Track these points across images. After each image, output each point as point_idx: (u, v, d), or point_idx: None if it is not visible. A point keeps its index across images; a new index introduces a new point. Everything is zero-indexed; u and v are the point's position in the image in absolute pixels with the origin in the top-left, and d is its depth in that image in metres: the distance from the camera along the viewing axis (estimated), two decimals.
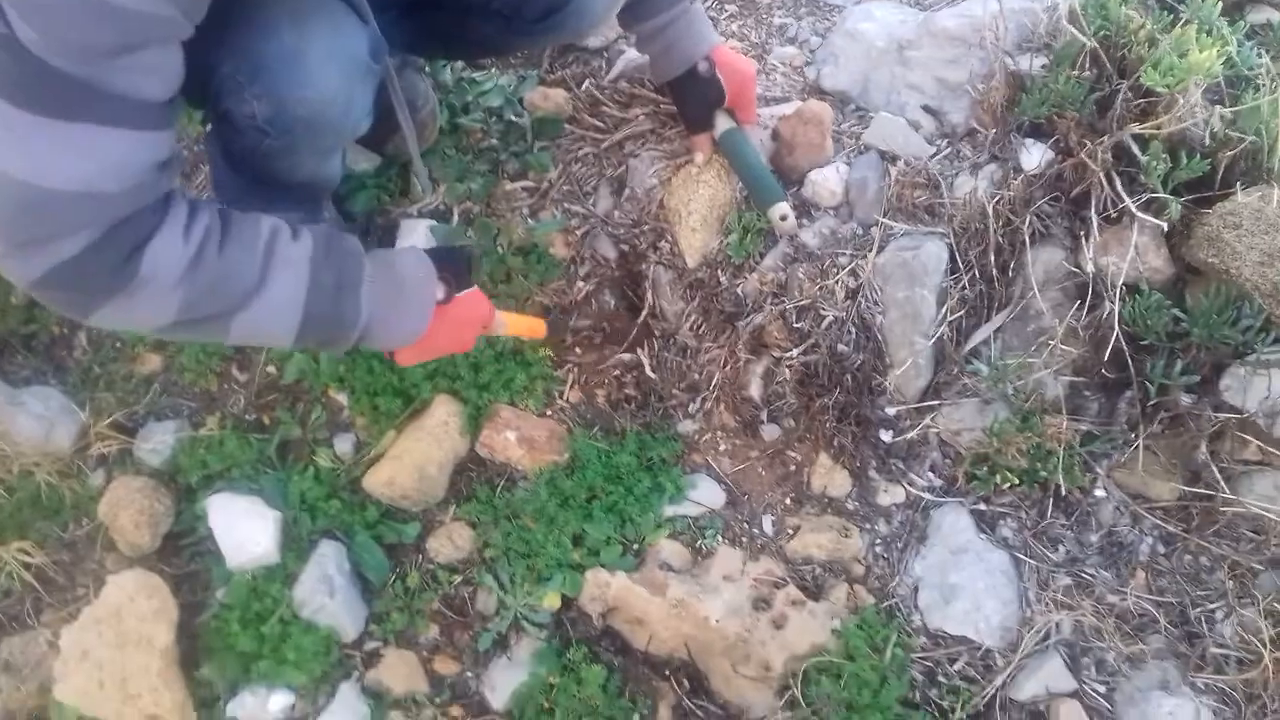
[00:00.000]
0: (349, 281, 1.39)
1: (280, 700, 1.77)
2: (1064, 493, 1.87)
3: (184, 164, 1.50)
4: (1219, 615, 1.78)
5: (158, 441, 1.98)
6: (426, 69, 2.25)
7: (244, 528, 1.85)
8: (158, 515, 1.89)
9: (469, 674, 1.82)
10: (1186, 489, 1.83)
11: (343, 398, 2.03)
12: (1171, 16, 1.90)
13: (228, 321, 1.31)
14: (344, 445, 2.00)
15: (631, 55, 2.28)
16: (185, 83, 1.20)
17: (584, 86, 2.29)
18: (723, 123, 1.96)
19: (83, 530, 1.94)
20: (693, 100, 1.95)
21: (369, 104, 1.53)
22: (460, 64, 2.32)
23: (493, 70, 2.35)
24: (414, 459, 1.89)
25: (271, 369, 2.07)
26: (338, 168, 1.71)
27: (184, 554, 1.91)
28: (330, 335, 1.42)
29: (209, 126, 1.69)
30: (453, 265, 1.56)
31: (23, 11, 1.00)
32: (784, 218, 1.88)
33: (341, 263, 1.39)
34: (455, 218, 2.15)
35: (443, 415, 1.95)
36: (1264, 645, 1.71)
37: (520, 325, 1.84)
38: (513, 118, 2.26)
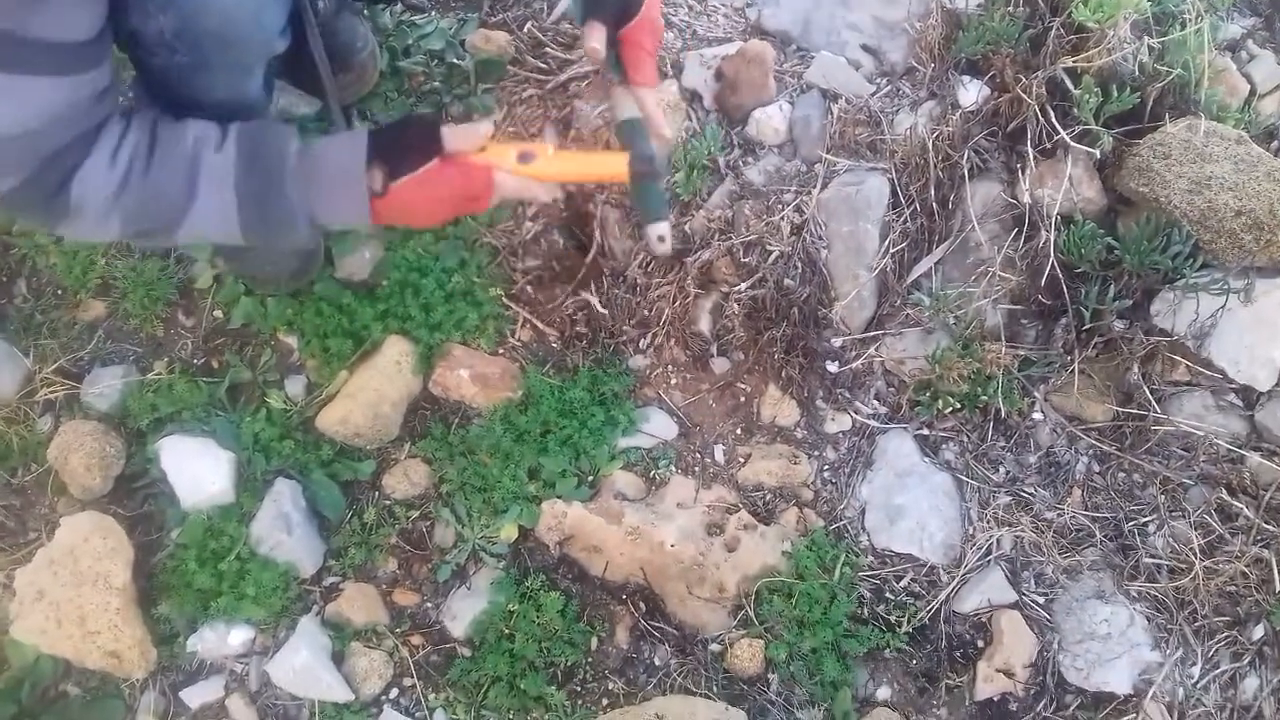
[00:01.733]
0: (274, 183, 1.39)
1: (241, 635, 1.78)
2: (1003, 416, 1.94)
3: (121, 87, 1.47)
4: (1151, 528, 1.86)
5: (105, 386, 1.96)
6: (365, 12, 2.23)
7: (198, 468, 1.85)
8: (109, 458, 1.88)
9: (429, 604, 1.85)
10: (1120, 410, 1.91)
11: (292, 340, 2.02)
12: None
13: (173, 232, 1.39)
14: (295, 387, 2.00)
15: None
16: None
17: (526, 28, 2.28)
18: (625, 107, 1.62)
19: (32, 475, 1.92)
20: None
21: (281, 19, 1.49)
22: (399, 7, 2.31)
23: (433, 14, 2.34)
24: (367, 397, 1.90)
25: (219, 313, 2.06)
26: (258, 91, 1.67)
27: (136, 496, 1.90)
28: (274, 232, 1.44)
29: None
30: (403, 144, 1.44)
31: None
32: (661, 239, 1.59)
33: (265, 166, 1.39)
34: None
35: (394, 355, 1.95)
36: (1195, 554, 1.79)
37: (581, 168, 1.66)
38: (454, 60, 2.25)
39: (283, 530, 1.81)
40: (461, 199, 1.50)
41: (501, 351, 2.03)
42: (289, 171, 1.40)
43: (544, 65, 2.22)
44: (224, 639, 1.78)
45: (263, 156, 1.40)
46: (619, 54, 1.57)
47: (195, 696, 1.76)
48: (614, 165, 1.56)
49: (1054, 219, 1.87)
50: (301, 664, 1.72)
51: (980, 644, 1.81)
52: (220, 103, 1.61)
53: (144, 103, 1.77)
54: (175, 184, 1.35)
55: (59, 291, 2.08)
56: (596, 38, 1.54)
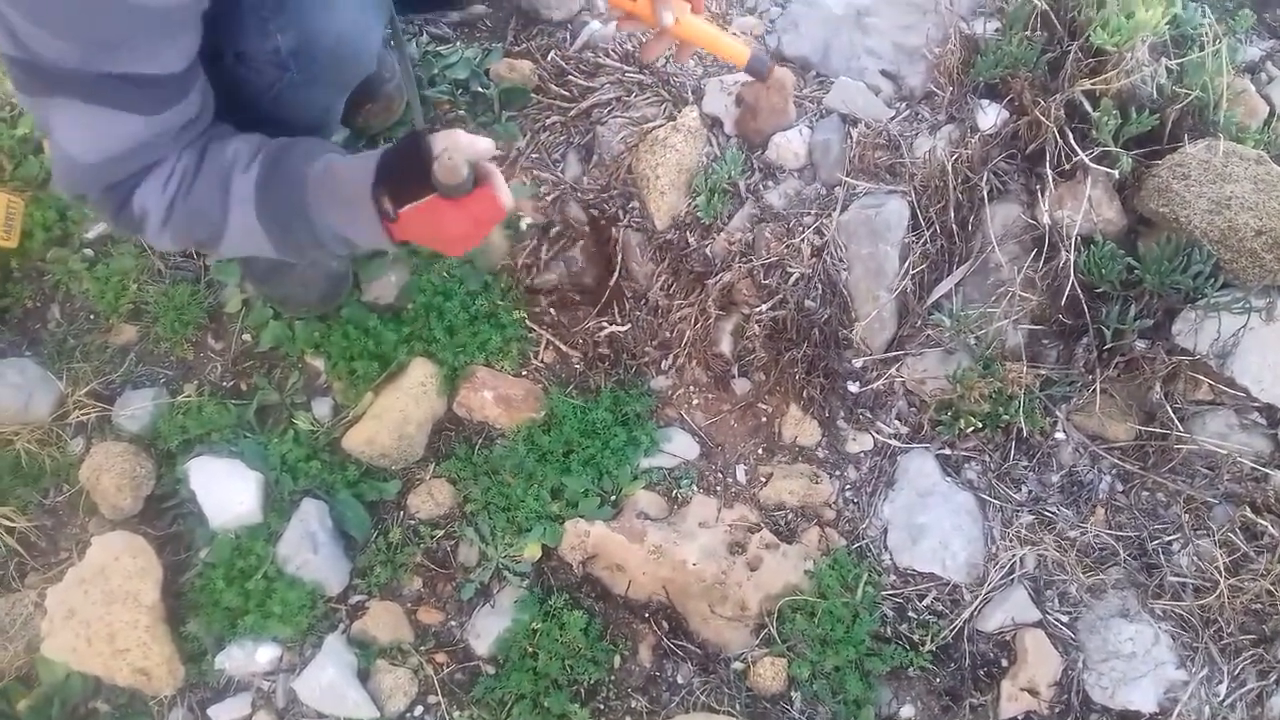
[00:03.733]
0: (294, 205, 1.40)
1: (268, 652, 1.80)
2: (1025, 435, 1.94)
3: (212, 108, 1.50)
4: (1175, 547, 1.86)
5: (136, 408, 2.00)
6: (392, 43, 2.27)
7: (226, 489, 1.87)
8: (139, 479, 1.91)
9: (453, 623, 1.86)
10: (1142, 429, 1.91)
11: (319, 363, 2.06)
12: None
13: (216, 246, 1.45)
14: (322, 409, 2.03)
15: (595, 26, 2.33)
16: None
17: (549, 57, 2.32)
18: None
19: (64, 496, 1.95)
20: None
21: (380, 38, 1.55)
22: (425, 38, 2.35)
23: (458, 43, 2.38)
24: (393, 418, 1.93)
25: (247, 337, 2.09)
26: (340, 112, 1.72)
27: (166, 516, 1.93)
28: (304, 250, 1.47)
29: None
30: (402, 170, 1.34)
31: (54, 30, 1.13)
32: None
33: (285, 189, 1.39)
34: None
35: (420, 376, 1.98)
36: (1220, 572, 1.79)
37: (714, 37, 1.62)
38: (479, 89, 2.29)
39: (309, 549, 1.83)
40: (467, 233, 1.41)
41: (525, 373, 2.05)
42: (309, 192, 1.39)
43: (567, 93, 2.25)
44: (251, 657, 1.79)
45: (282, 178, 1.40)
46: None
47: (223, 714, 1.78)
48: (738, 52, 1.60)
49: (1074, 240, 1.88)
50: (328, 681, 1.74)
51: (1004, 663, 1.81)
52: (308, 122, 1.63)
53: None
54: (211, 205, 1.39)
55: (91, 316, 2.12)
56: (668, 5, 1.53)
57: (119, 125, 1.26)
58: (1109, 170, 1.85)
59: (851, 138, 2.11)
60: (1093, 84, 1.90)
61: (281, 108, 1.50)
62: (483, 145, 1.34)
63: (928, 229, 2.01)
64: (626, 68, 2.24)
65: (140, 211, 1.35)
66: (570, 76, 2.28)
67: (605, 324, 2.08)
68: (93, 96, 1.22)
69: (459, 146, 1.30)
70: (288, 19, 1.37)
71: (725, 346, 2.05)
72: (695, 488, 1.95)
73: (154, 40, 1.21)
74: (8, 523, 1.90)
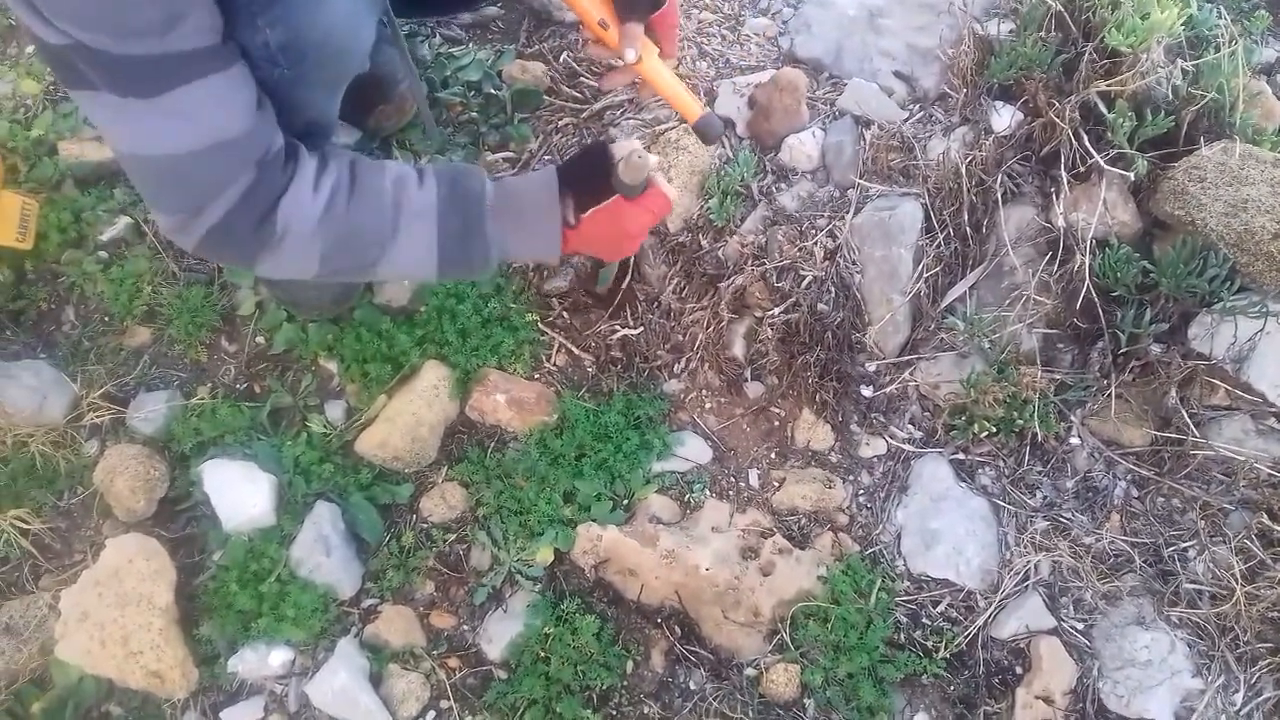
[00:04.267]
0: (473, 221, 1.47)
1: (280, 656, 1.80)
2: (1040, 440, 1.93)
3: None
4: (1191, 553, 1.84)
5: (150, 411, 2.00)
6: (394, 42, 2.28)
7: (240, 491, 1.87)
8: (153, 481, 1.91)
9: (465, 627, 1.86)
10: (1158, 434, 1.89)
11: (332, 365, 2.06)
12: None
13: (372, 268, 1.46)
14: (335, 412, 2.03)
15: None
16: None
17: (561, 59, 2.32)
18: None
19: (78, 498, 1.96)
20: None
21: (372, 36, 1.54)
22: (438, 40, 2.35)
23: (470, 45, 2.38)
24: (405, 421, 1.93)
25: (260, 339, 2.09)
26: (336, 117, 1.72)
27: (179, 519, 1.93)
28: (468, 268, 1.52)
29: None
30: (585, 175, 1.51)
31: (79, 21, 1.12)
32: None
33: (465, 205, 1.47)
34: None
35: (432, 379, 1.98)
36: (1236, 580, 1.77)
37: (672, 87, 1.67)
38: (492, 91, 2.29)
39: (322, 552, 1.83)
40: (644, 227, 1.56)
41: (537, 376, 2.05)
42: (488, 209, 1.47)
43: (579, 95, 2.25)
44: (264, 660, 1.79)
45: (463, 195, 1.47)
46: (651, 34, 1.64)
47: (235, 717, 1.78)
48: (692, 107, 1.65)
49: (1089, 243, 1.87)
50: (340, 685, 1.74)
51: (1019, 670, 1.80)
52: (308, 123, 1.64)
53: None
54: (379, 220, 1.42)
55: (106, 318, 2.12)
56: (632, 41, 1.60)
57: (197, 98, 1.23)
58: (1124, 172, 1.84)
59: (865, 139, 2.11)
60: (1108, 85, 1.89)
61: (277, 106, 1.51)
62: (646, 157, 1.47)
63: (941, 232, 2.00)
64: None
65: (284, 221, 1.34)
66: (582, 78, 2.28)
67: (617, 327, 2.08)
68: (167, 84, 1.20)
69: (637, 149, 1.45)
70: (276, 14, 1.37)
71: (738, 350, 2.04)
72: (708, 492, 1.95)
73: (189, 19, 1.19)
74: (22, 524, 1.90)
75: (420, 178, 1.46)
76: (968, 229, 1.99)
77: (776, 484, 1.96)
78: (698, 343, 2.05)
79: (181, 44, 1.18)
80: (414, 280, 1.56)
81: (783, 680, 1.77)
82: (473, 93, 2.30)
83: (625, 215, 1.51)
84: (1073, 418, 1.93)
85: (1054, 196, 1.93)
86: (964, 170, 1.97)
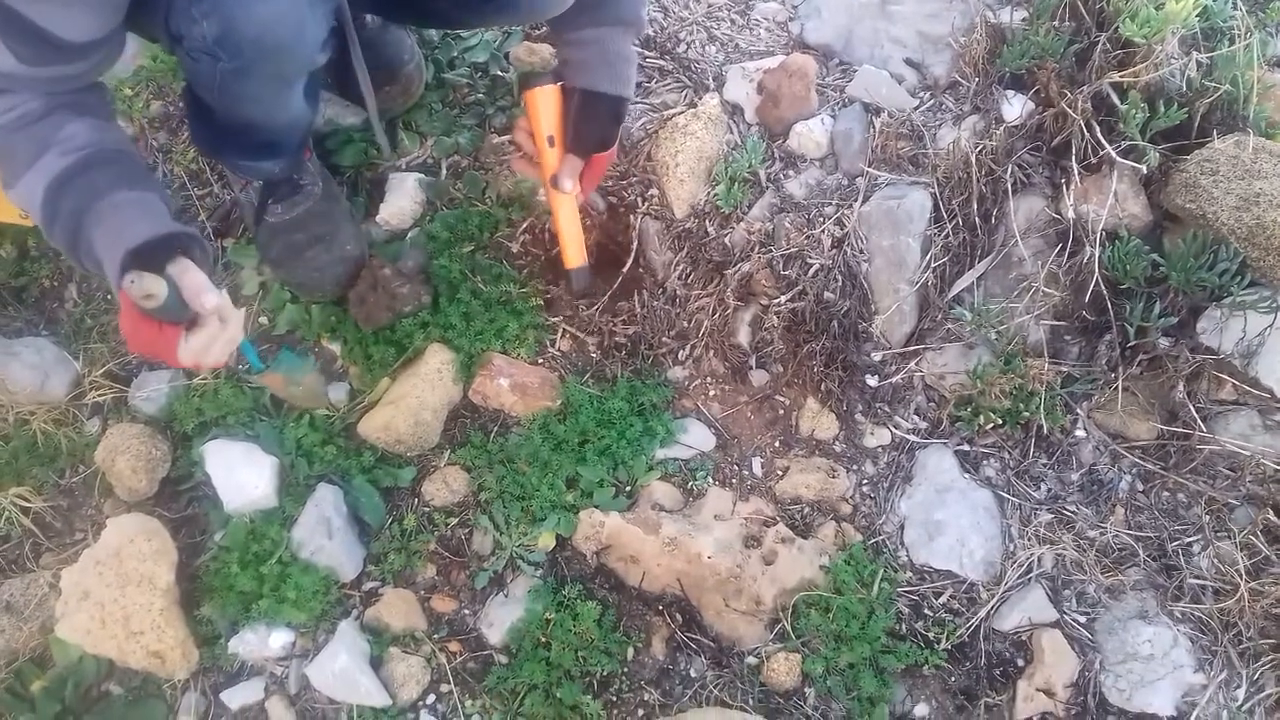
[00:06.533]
0: (80, 211, 1.41)
1: (281, 637, 1.80)
2: (1045, 433, 1.92)
3: (109, 95, 1.55)
4: (1196, 548, 1.84)
5: (152, 390, 1.99)
6: (411, 26, 2.26)
7: (242, 472, 1.87)
8: (155, 461, 1.90)
9: (466, 611, 1.85)
10: (1164, 428, 1.89)
11: (336, 347, 2.05)
12: None
13: (9, 188, 1.46)
14: (338, 394, 2.02)
15: None
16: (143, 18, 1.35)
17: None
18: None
19: (79, 477, 1.95)
20: (591, 118, 1.77)
21: (323, 32, 1.51)
22: None
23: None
24: (409, 404, 1.92)
25: (264, 320, 2.08)
26: (301, 107, 1.69)
27: (181, 499, 1.93)
28: (67, 250, 1.48)
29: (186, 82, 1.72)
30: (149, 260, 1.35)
31: None
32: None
33: (75, 196, 1.42)
34: (444, 172, 2.17)
35: (436, 363, 1.97)
36: (1240, 575, 1.77)
37: (569, 226, 1.88)
38: (498, 73, 2.28)
39: (324, 535, 1.83)
40: (133, 340, 1.46)
41: (541, 361, 2.04)
42: (90, 214, 1.41)
43: None
44: (264, 641, 1.79)
45: (82, 184, 1.42)
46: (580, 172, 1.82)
47: (235, 698, 1.78)
48: (574, 256, 1.91)
49: (1099, 235, 1.86)
50: (340, 668, 1.73)
51: (1020, 663, 1.79)
52: (265, 115, 1.64)
53: (191, 115, 1.82)
54: (17, 158, 1.42)
55: (108, 296, 2.11)
56: (572, 174, 1.80)
57: None
58: (1135, 164, 1.82)
59: (874, 127, 2.09)
60: (1121, 76, 1.87)
61: (230, 99, 1.50)
62: (209, 300, 1.36)
63: (950, 221, 1.99)
64: (648, 53, 2.22)
65: None
66: None
67: (623, 313, 2.06)
68: None
69: (186, 283, 1.34)
70: (209, 4, 1.36)
71: (743, 337, 2.03)
72: (711, 480, 1.94)
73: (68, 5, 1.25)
74: (23, 503, 1.90)
75: (76, 150, 1.43)
76: (976, 219, 1.97)
77: (780, 472, 1.96)
78: (703, 329, 2.04)
79: (31, 14, 1.24)
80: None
81: (783, 669, 1.77)
82: (479, 74, 2.29)
83: (125, 314, 1.40)
84: (1079, 410, 1.93)
85: (1064, 187, 1.91)
86: (974, 160, 1.95)
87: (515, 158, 1.84)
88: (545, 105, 1.78)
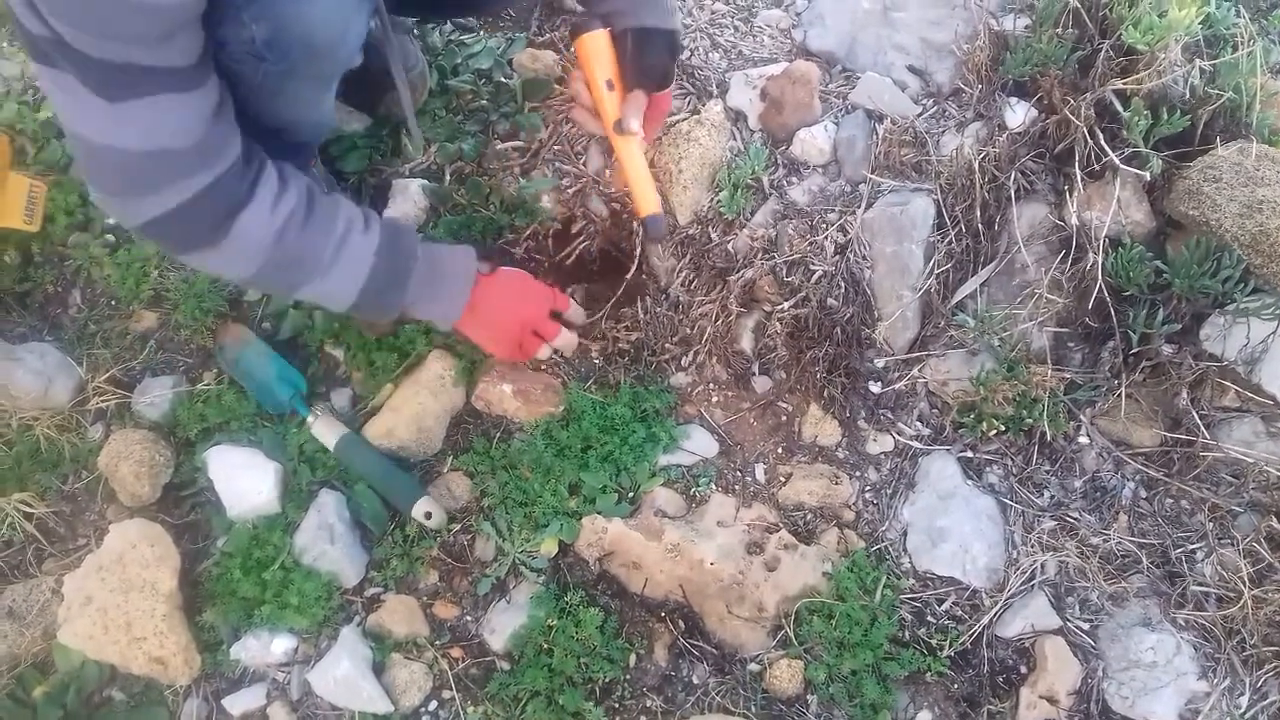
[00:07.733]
0: (400, 275, 1.66)
1: (283, 643, 1.79)
2: (1049, 439, 1.92)
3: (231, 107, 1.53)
4: (1199, 555, 1.83)
5: (155, 396, 2.00)
6: (415, 31, 2.27)
7: (244, 478, 1.87)
8: (158, 466, 1.91)
9: (469, 617, 1.85)
10: (1168, 435, 1.88)
11: (339, 353, 2.05)
12: None
13: (296, 290, 1.60)
14: (341, 399, 2.02)
15: None
16: None
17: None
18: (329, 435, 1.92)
19: (82, 482, 1.95)
20: (648, 54, 1.69)
21: (363, 31, 1.54)
22: (449, 27, 2.34)
23: (481, 33, 2.37)
24: (412, 411, 1.92)
25: (267, 326, 2.09)
26: (330, 111, 1.72)
27: (184, 505, 1.93)
28: (377, 312, 1.72)
29: None
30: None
31: (71, 20, 1.18)
32: (428, 515, 1.86)
33: (398, 259, 1.66)
34: (447, 177, 2.17)
35: (438, 369, 1.97)
36: (1244, 583, 1.76)
37: (638, 172, 1.73)
38: (502, 79, 2.28)
39: (326, 540, 1.83)
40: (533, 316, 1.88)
41: (543, 367, 2.04)
42: (416, 267, 1.68)
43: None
44: (267, 647, 1.79)
45: (400, 249, 1.66)
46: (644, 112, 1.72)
47: (237, 704, 1.78)
48: (648, 202, 1.72)
49: (1102, 241, 1.85)
50: (342, 674, 1.73)
51: (1023, 670, 1.79)
52: (297, 118, 1.65)
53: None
54: (322, 249, 1.56)
55: (112, 302, 2.12)
56: (637, 113, 1.69)
57: (157, 110, 1.31)
58: (1139, 171, 1.82)
59: (877, 134, 2.10)
60: (1124, 83, 1.87)
61: (269, 101, 1.52)
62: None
63: (953, 228, 1.99)
64: None
65: (239, 231, 1.45)
66: None
67: (625, 319, 2.06)
68: (132, 91, 1.28)
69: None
70: (260, 8, 1.37)
71: (746, 344, 2.03)
72: (714, 486, 1.94)
73: (175, 39, 1.27)
74: (26, 508, 1.90)
75: (366, 222, 1.62)
76: (980, 226, 1.97)
77: (783, 479, 1.96)
78: (706, 336, 2.04)
79: (156, 59, 1.26)
80: (324, 307, 1.74)
81: (786, 676, 1.77)
82: (483, 81, 2.29)
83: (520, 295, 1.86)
84: (1082, 417, 1.92)
85: (1067, 194, 1.91)
86: (977, 166, 1.95)
87: (574, 108, 1.81)
88: (598, 50, 1.70)
